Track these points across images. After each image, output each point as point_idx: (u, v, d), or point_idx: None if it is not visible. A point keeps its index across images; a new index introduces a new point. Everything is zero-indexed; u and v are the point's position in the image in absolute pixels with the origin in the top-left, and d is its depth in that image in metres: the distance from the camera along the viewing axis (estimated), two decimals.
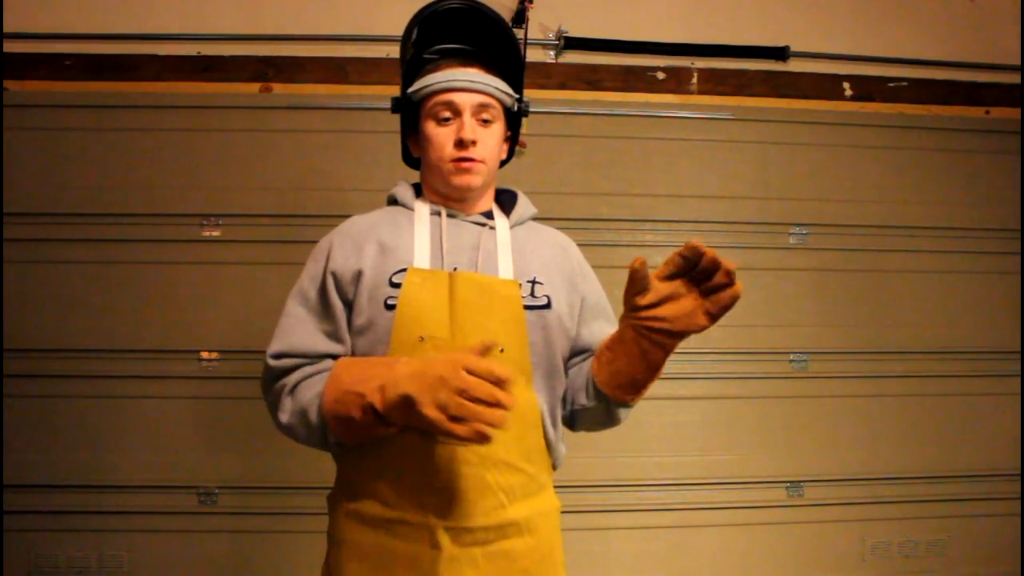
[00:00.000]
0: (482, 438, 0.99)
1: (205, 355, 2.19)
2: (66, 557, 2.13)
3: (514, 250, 1.28)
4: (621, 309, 1.15)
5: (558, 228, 1.43)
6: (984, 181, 2.46)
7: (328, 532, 1.27)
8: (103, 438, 2.15)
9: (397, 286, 1.20)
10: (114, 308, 2.18)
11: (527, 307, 1.23)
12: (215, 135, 2.23)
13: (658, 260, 2.29)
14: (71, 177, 2.19)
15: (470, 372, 1.00)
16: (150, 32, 2.25)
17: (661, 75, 2.39)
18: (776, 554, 2.31)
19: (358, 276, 1.22)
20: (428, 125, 1.28)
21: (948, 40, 2.51)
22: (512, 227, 1.33)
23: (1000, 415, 2.42)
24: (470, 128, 1.25)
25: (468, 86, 1.26)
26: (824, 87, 2.44)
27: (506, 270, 1.26)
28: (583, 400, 1.28)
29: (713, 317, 1.09)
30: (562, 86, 2.35)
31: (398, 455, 1.16)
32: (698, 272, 1.07)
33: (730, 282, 1.07)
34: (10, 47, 2.20)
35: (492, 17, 1.33)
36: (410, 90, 1.30)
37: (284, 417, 1.20)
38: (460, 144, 1.25)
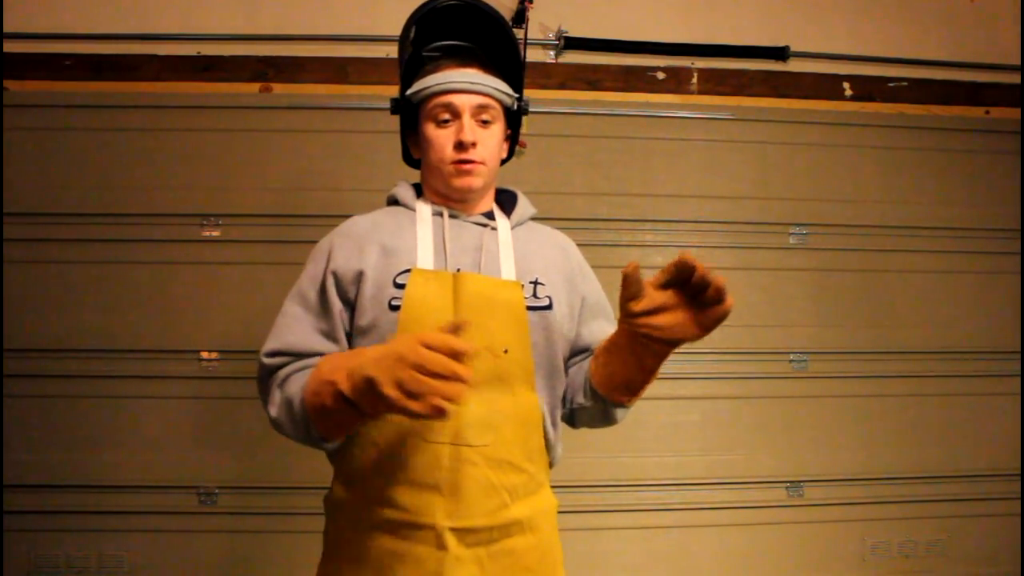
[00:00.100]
0: (439, 413, 0.96)
1: (205, 355, 2.19)
2: (66, 557, 2.13)
3: (516, 251, 1.29)
4: (612, 311, 1.15)
5: (558, 228, 1.43)
6: (984, 181, 2.46)
7: (326, 534, 1.27)
8: (103, 438, 2.15)
9: (401, 287, 1.19)
10: (114, 308, 2.18)
11: (529, 308, 1.23)
12: (215, 135, 2.23)
13: (658, 260, 2.32)
14: (71, 177, 2.19)
15: (428, 347, 0.96)
16: (150, 32, 2.25)
17: (661, 75, 2.39)
18: (776, 554, 2.31)
19: (359, 277, 1.22)
20: (428, 127, 1.28)
21: (948, 40, 2.51)
22: (513, 228, 1.33)
23: (1000, 415, 2.42)
24: (469, 130, 1.25)
25: (467, 87, 1.25)
26: (824, 87, 2.44)
27: (508, 271, 1.26)
28: (581, 399, 1.29)
29: (705, 329, 1.08)
30: (562, 86, 2.35)
31: (401, 456, 1.16)
32: (691, 285, 1.05)
33: (720, 298, 1.05)
34: (10, 47, 2.20)
35: (490, 14, 1.33)
36: (409, 92, 1.30)
37: (273, 411, 1.19)
38: (460, 146, 1.25)
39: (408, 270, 1.21)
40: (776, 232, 2.38)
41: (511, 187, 1.42)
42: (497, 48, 1.34)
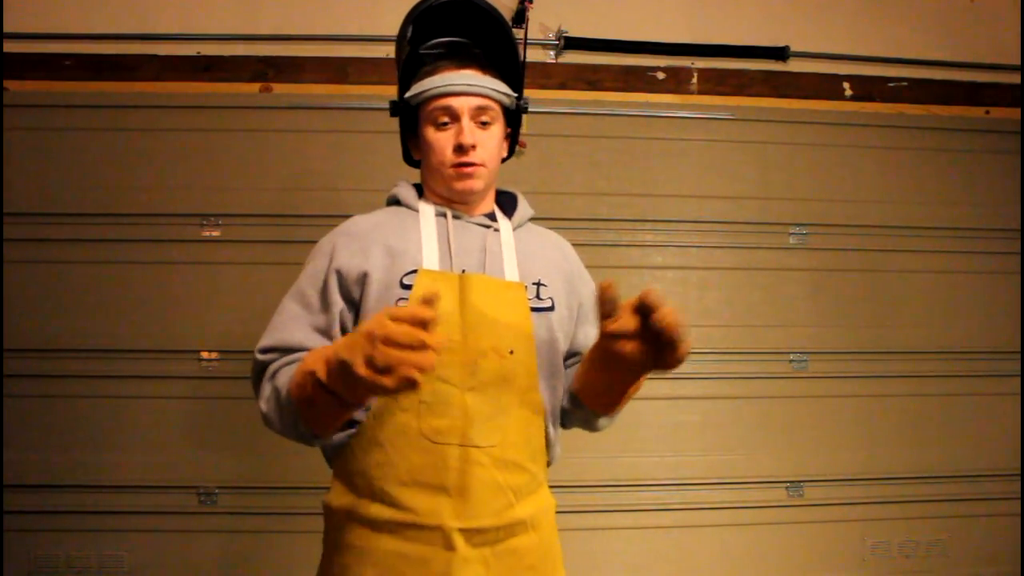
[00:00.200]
0: (410, 384, 0.93)
1: (205, 355, 2.19)
2: (66, 557, 2.13)
3: (518, 252, 1.29)
4: None
5: (559, 228, 1.44)
6: (984, 181, 2.46)
7: (328, 537, 1.25)
8: (103, 438, 2.15)
9: (408, 287, 1.19)
10: (114, 308, 2.17)
11: (533, 309, 1.24)
12: (215, 135, 2.23)
13: (658, 260, 2.33)
14: (71, 177, 2.19)
15: (395, 320, 0.94)
16: (150, 32, 2.25)
17: (661, 75, 2.39)
18: (776, 554, 2.31)
19: (364, 278, 1.22)
20: (427, 130, 1.28)
21: (948, 40, 2.51)
22: (514, 229, 1.33)
23: (1000, 415, 2.42)
24: (469, 132, 1.25)
25: (465, 90, 1.25)
26: (824, 87, 2.44)
27: (512, 272, 1.26)
28: (566, 404, 1.31)
29: (664, 367, 1.07)
30: (562, 86, 2.35)
31: (407, 457, 1.16)
32: (651, 324, 1.03)
33: (674, 344, 1.03)
34: (10, 47, 2.20)
35: (487, 11, 1.32)
36: (407, 95, 1.30)
37: (263, 404, 1.18)
38: (460, 149, 1.25)
39: (414, 271, 1.21)
40: (776, 232, 2.38)
41: (511, 187, 1.42)
42: (495, 45, 1.34)
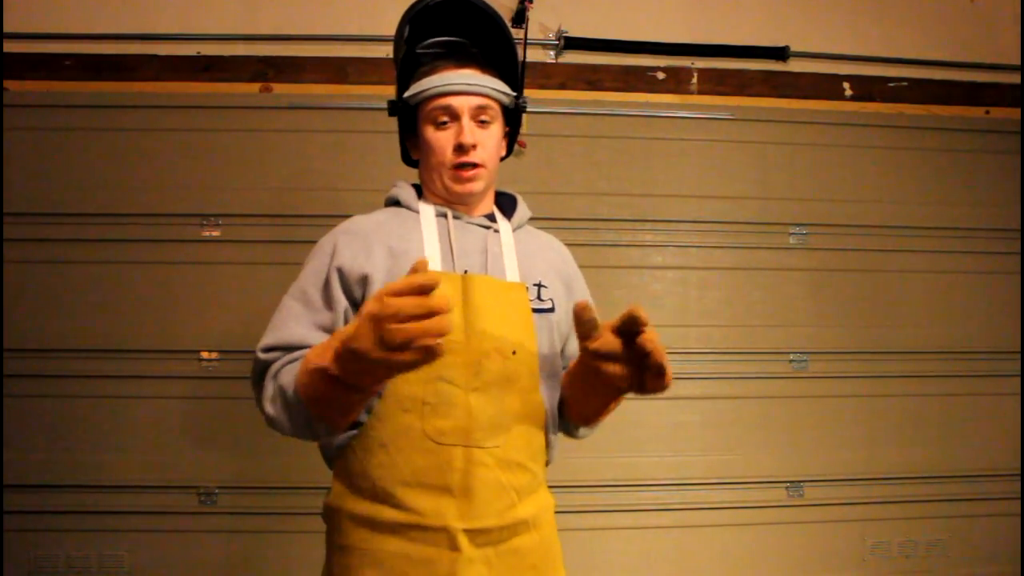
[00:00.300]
0: (431, 354, 0.91)
1: (205, 355, 2.19)
2: (66, 557, 2.13)
3: (518, 253, 1.29)
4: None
5: (559, 228, 1.44)
6: (984, 181, 2.46)
7: (330, 539, 1.24)
8: (103, 438, 2.15)
9: None
10: (114, 308, 2.17)
11: (534, 310, 1.24)
12: (215, 135, 2.23)
13: (658, 260, 2.33)
14: (71, 177, 2.19)
15: (394, 295, 0.91)
16: (149, 32, 2.25)
17: (661, 75, 2.39)
18: (776, 554, 2.31)
19: (366, 280, 1.21)
20: (427, 130, 1.28)
21: (948, 40, 2.51)
22: (514, 231, 1.33)
23: (1000, 415, 2.42)
24: (469, 132, 1.25)
25: (464, 89, 1.25)
26: (824, 87, 2.44)
27: (513, 273, 1.26)
28: None
29: (646, 391, 1.06)
30: (562, 86, 2.35)
31: (411, 459, 1.16)
32: (636, 346, 1.02)
33: (660, 369, 1.02)
34: (10, 47, 2.20)
35: (484, 10, 1.32)
36: (406, 95, 1.30)
37: (267, 405, 1.16)
38: (459, 148, 1.25)
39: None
40: (776, 232, 2.38)
41: (511, 187, 1.42)
42: (493, 44, 1.34)
